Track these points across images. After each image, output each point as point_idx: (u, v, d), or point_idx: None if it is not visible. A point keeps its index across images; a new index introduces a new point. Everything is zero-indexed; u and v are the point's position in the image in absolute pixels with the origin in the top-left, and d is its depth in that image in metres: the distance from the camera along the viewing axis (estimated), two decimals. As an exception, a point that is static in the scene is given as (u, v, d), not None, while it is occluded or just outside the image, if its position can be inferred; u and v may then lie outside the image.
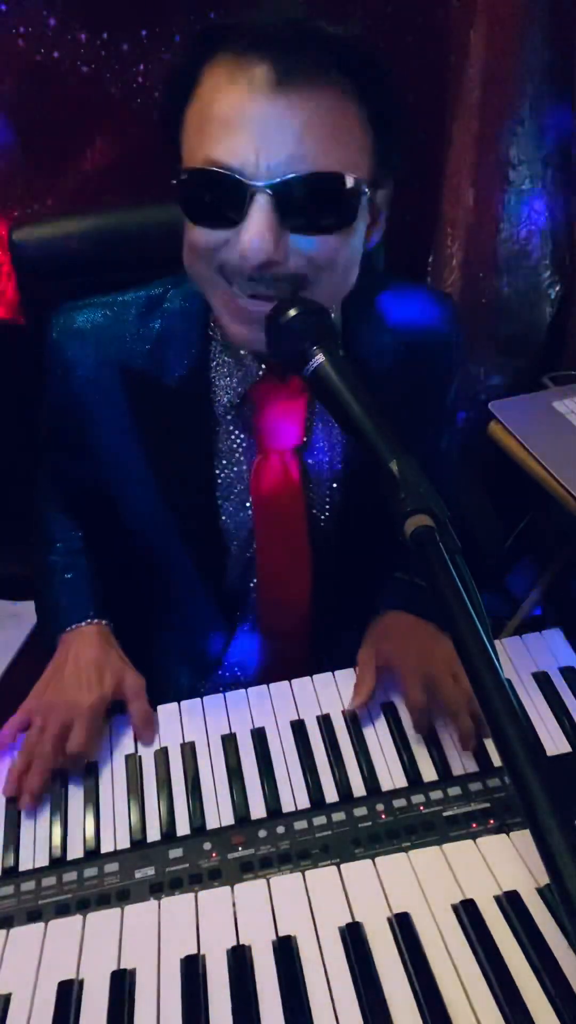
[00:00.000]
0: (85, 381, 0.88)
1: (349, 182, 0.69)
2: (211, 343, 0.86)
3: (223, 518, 0.93)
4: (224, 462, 0.91)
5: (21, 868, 0.78)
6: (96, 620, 0.96)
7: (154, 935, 0.70)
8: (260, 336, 0.73)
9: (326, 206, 0.69)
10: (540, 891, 0.70)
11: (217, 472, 0.91)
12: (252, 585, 0.99)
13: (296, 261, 0.70)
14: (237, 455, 0.91)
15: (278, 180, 0.66)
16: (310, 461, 0.92)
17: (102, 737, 0.89)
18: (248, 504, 0.92)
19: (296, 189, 0.67)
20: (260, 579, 0.98)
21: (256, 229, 0.67)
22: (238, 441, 0.90)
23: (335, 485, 0.94)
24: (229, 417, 0.89)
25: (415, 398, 0.92)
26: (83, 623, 0.95)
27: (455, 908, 0.69)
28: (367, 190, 0.72)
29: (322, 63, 0.66)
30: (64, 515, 1.06)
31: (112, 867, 0.77)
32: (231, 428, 0.89)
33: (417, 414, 0.90)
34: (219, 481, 0.91)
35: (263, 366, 0.85)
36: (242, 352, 0.85)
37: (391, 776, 0.82)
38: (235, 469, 0.91)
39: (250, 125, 0.66)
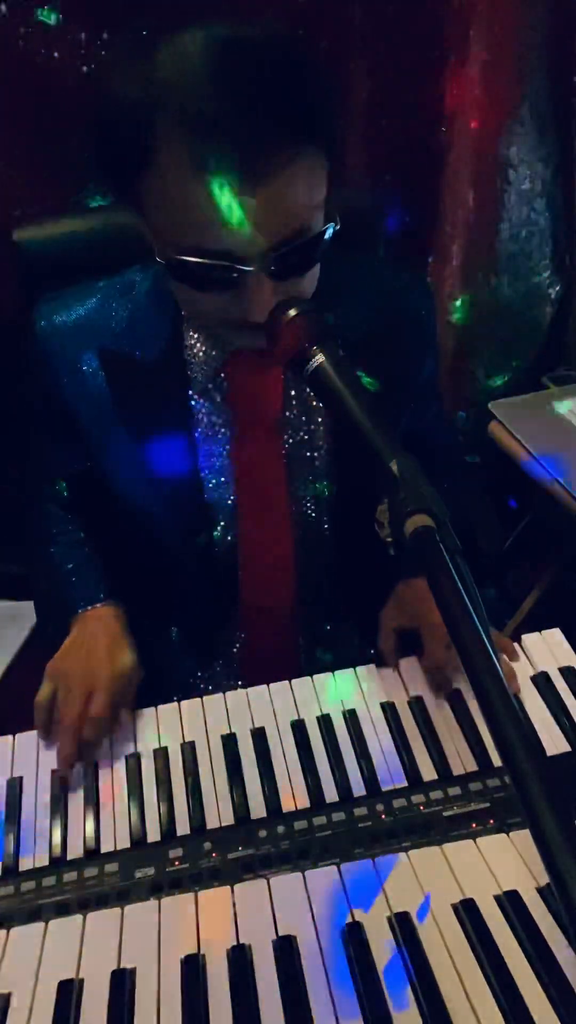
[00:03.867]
0: (69, 367, 0.90)
1: (326, 230, 0.71)
2: (184, 322, 0.88)
3: (207, 493, 0.94)
4: (204, 436, 0.92)
5: (21, 868, 0.78)
6: (110, 602, 0.97)
7: (154, 935, 0.70)
8: (261, 341, 0.74)
9: (309, 257, 0.72)
10: (540, 891, 0.70)
11: (198, 447, 0.92)
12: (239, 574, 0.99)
13: (286, 296, 0.72)
14: (218, 430, 0.92)
15: (269, 260, 0.68)
16: (291, 439, 0.93)
17: (128, 708, 0.91)
18: (228, 480, 0.93)
19: (287, 259, 0.69)
20: (243, 561, 0.98)
21: (258, 303, 0.70)
22: (217, 415, 0.91)
23: (317, 464, 0.94)
24: (209, 391, 0.90)
25: (393, 374, 0.92)
26: (97, 604, 0.97)
27: (455, 908, 0.69)
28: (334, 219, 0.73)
29: (289, 141, 0.64)
30: (59, 509, 1.07)
31: (112, 867, 0.77)
32: (210, 403, 0.91)
33: (397, 390, 0.92)
34: (201, 455, 0.92)
35: None
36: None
37: (391, 776, 0.83)
38: (217, 444, 0.92)
39: (231, 220, 0.65)
